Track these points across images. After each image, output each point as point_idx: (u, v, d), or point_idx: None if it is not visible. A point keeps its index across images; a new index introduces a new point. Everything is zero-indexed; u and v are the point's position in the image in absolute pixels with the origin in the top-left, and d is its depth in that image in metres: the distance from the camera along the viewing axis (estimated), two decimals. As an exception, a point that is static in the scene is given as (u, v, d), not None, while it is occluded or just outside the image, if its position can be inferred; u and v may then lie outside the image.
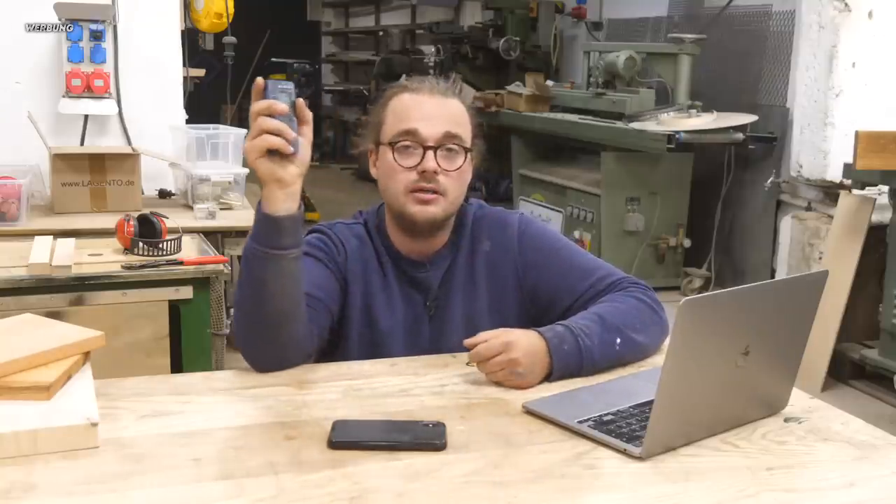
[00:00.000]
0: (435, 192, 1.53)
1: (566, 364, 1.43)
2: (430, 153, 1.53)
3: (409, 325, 1.61)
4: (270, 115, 1.33)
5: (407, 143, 1.54)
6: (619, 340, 1.49)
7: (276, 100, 1.34)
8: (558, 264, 1.63)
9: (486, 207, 1.70)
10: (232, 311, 3.26)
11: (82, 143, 3.39)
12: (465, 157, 1.57)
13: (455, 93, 1.61)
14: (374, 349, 1.59)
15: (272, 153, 1.34)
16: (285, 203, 1.37)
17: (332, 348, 1.60)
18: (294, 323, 1.42)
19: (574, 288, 1.61)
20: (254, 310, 1.40)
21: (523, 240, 1.65)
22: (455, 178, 1.56)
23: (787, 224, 4.88)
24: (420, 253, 1.62)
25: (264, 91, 1.34)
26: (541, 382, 1.42)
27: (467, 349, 1.43)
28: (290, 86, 1.37)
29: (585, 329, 1.47)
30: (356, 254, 1.61)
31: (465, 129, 1.58)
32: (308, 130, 1.38)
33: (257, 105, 1.33)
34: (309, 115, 1.38)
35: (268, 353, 1.43)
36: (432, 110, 1.55)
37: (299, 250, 1.40)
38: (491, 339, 1.42)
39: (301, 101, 1.37)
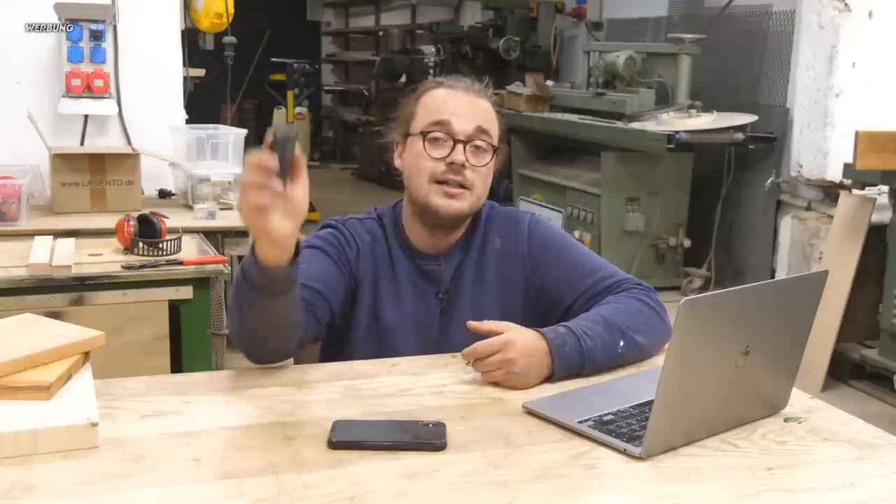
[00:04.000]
0: (462, 186, 1.55)
1: (567, 366, 1.44)
2: (459, 146, 1.54)
3: (419, 320, 1.62)
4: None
5: (438, 134, 1.55)
6: (622, 343, 1.49)
7: (282, 152, 1.21)
8: (563, 263, 1.64)
9: (498, 207, 1.72)
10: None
11: (82, 143, 3.39)
12: (492, 156, 1.59)
13: (487, 95, 1.63)
14: (384, 344, 1.60)
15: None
16: (278, 257, 1.28)
17: (342, 342, 1.61)
18: (284, 342, 1.43)
19: (576, 286, 1.62)
20: (243, 330, 1.40)
21: (532, 238, 1.66)
22: (481, 174, 1.58)
23: (787, 224, 4.88)
24: (434, 248, 1.64)
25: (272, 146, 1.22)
26: (541, 383, 1.42)
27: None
28: (294, 132, 1.24)
29: (588, 330, 1.47)
30: (368, 249, 1.62)
31: (493, 129, 1.60)
32: (303, 177, 1.25)
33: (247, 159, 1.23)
34: (302, 162, 1.25)
35: (258, 353, 1.45)
36: (465, 106, 1.57)
37: (292, 293, 1.35)
38: (495, 328, 1.42)
39: (298, 148, 1.24)
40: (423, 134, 1.56)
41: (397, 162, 1.64)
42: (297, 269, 1.34)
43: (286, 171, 1.23)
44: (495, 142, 1.59)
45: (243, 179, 1.23)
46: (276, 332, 1.41)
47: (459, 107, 1.57)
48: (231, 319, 1.42)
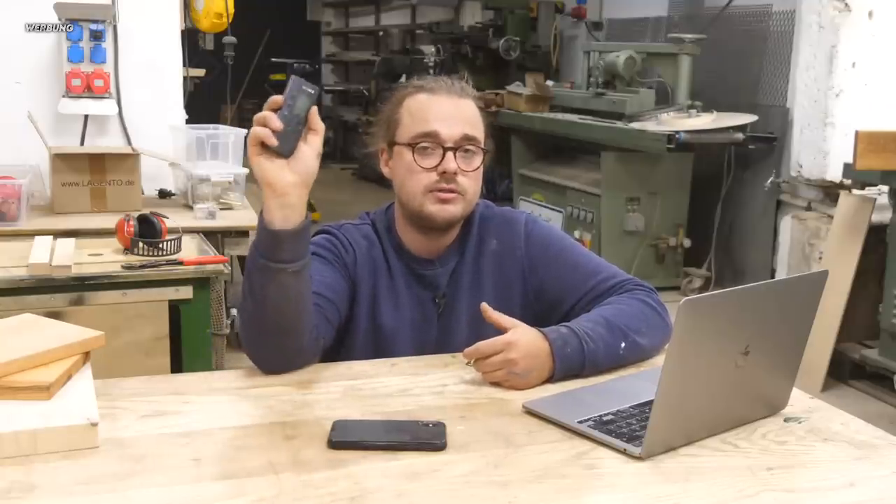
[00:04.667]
0: (454, 191, 1.55)
1: (569, 367, 1.44)
2: (449, 154, 1.54)
3: (416, 324, 1.62)
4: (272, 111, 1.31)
5: (427, 144, 1.54)
6: (623, 345, 1.49)
7: (294, 98, 1.30)
8: (564, 263, 1.64)
9: (493, 207, 1.71)
10: (233, 311, 3.25)
11: (82, 143, 3.39)
12: (482, 158, 1.58)
13: (469, 93, 1.62)
14: (381, 348, 1.59)
15: (267, 150, 1.31)
16: (280, 213, 1.32)
17: (339, 347, 1.60)
18: (295, 334, 1.41)
19: (578, 287, 1.61)
20: (254, 318, 1.39)
21: (530, 239, 1.65)
22: (473, 178, 1.57)
23: (787, 224, 4.88)
24: (429, 251, 1.63)
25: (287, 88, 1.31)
26: (542, 383, 1.42)
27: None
28: (314, 90, 1.32)
29: (590, 331, 1.47)
30: (365, 254, 1.61)
31: (480, 131, 1.59)
32: (315, 140, 1.34)
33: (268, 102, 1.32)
34: (320, 125, 1.35)
35: (270, 358, 1.42)
36: (450, 111, 1.56)
37: (301, 264, 1.36)
38: (503, 323, 1.42)
39: (315, 109, 1.33)
40: (412, 145, 1.55)
41: (385, 170, 1.64)
42: (306, 240, 1.37)
43: (295, 122, 1.30)
44: (483, 144, 1.59)
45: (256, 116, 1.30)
46: (288, 323, 1.38)
47: (445, 113, 1.55)
48: (241, 318, 1.41)
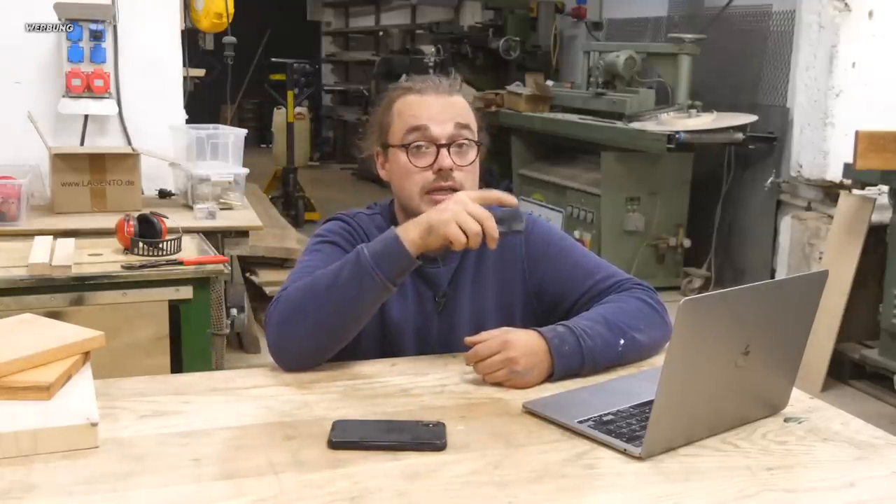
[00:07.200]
0: (452, 189, 1.55)
1: (567, 364, 1.44)
2: (443, 151, 1.55)
3: (418, 321, 1.62)
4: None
5: (419, 142, 1.55)
6: (622, 342, 1.49)
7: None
8: (564, 262, 1.64)
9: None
10: (233, 311, 3.21)
11: (82, 143, 3.39)
12: (476, 151, 1.59)
13: (457, 89, 1.63)
14: (384, 344, 1.60)
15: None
16: (423, 242, 1.40)
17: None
18: (346, 343, 1.46)
19: (577, 286, 1.62)
20: (327, 324, 1.42)
21: (531, 238, 1.65)
22: (469, 172, 1.58)
23: (787, 224, 4.88)
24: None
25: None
26: (542, 383, 1.42)
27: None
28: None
29: (588, 329, 1.47)
30: None
31: (472, 122, 1.60)
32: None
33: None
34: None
35: (305, 358, 1.45)
36: (439, 108, 1.57)
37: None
38: (490, 338, 1.42)
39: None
40: (405, 145, 1.56)
41: (381, 172, 1.65)
42: None
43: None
44: (475, 137, 1.59)
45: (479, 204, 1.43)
46: (352, 334, 1.46)
47: (434, 110, 1.56)
48: (306, 319, 1.42)
